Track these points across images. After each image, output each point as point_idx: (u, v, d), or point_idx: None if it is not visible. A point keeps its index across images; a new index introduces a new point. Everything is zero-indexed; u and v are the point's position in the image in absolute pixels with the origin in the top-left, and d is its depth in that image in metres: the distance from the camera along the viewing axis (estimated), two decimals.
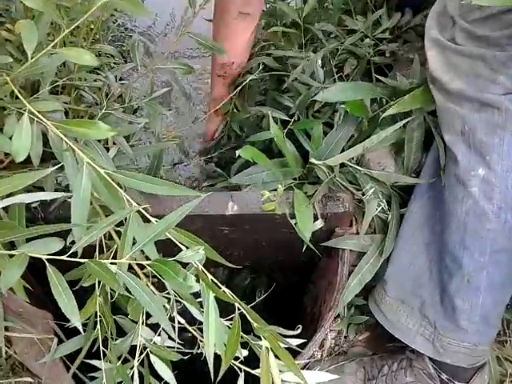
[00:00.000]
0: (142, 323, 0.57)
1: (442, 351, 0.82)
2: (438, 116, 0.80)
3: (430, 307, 0.83)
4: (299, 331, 0.53)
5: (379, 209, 0.85)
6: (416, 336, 0.84)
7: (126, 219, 0.52)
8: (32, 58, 0.61)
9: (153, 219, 0.54)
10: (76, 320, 0.39)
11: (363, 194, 0.86)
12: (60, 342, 0.70)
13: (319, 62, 0.91)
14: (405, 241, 0.85)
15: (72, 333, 0.65)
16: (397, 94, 0.87)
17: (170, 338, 0.66)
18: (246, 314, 0.51)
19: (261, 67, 1.00)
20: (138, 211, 0.55)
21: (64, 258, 0.40)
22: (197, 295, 0.55)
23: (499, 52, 0.69)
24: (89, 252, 0.53)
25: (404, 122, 0.82)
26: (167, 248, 0.54)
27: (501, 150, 0.72)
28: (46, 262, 0.40)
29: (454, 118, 0.75)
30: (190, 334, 0.66)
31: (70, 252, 0.41)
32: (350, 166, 0.87)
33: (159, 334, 0.64)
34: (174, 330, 0.55)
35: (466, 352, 0.81)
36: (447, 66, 0.75)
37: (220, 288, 0.50)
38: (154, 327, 0.66)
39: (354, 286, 0.85)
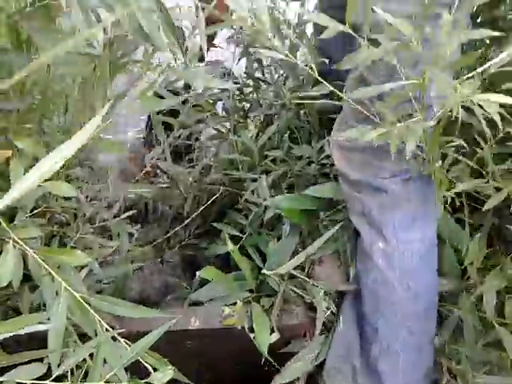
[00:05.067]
0: None
1: None
2: (346, 202, 0.96)
3: (360, 373, 0.91)
4: None
5: (328, 312, 0.95)
6: None
7: None
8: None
9: (122, 340, 0.60)
10: None
11: (313, 301, 0.96)
12: None
13: (264, 183, 1.05)
14: (343, 314, 0.95)
15: None
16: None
17: None
18: None
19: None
20: (108, 330, 0.61)
21: (48, 382, 0.45)
22: None
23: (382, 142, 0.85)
24: None
25: (333, 230, 0.95)
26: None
27: (393, 225, 0.87)
28: None
29: (356, 203, 0.91)
30: None
31: (53, 377, 0.46)
32: (300, 278, 0.97)
33: None
34: None
35: None
36: (346, 161, 0.91)
37: None
38: None
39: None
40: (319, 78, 0.76)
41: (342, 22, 0.90)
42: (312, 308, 0.96)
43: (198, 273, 0.84)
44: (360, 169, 0.89)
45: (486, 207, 0.81)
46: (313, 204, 1.06)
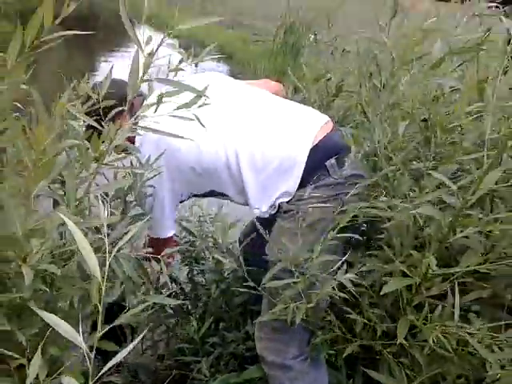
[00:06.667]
0: None
1: None
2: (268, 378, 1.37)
3: None
4: None
5: None
6: None
7: None
8: None
9: None
10: None
11: None
12: None
13: (204, 365, 1.46)
14: None
15: None
16: None
17: None
18: None
19: None
20: None
21: None
22: None
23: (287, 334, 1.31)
24: None
25: None
26: None
27: None
28: None
29: (276, 380, 1.36)
30: None
31: None
32: None
33: None
34: None
35: None
36: (265, 348, 1.37)
37: None
38: None
39: None
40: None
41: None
42: None
43: None
44: (272, 352, 1.36)
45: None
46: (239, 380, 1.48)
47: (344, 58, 1.89)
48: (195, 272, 1.85)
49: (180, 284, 1.79)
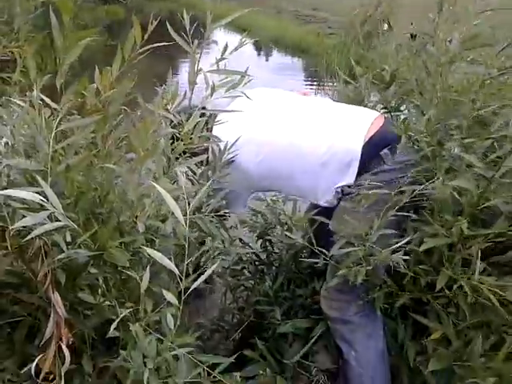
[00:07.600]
0: None
1: None
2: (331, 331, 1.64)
3: None
4: None
5: None
6: None
7: None
8: None
9: None
10: None
11: None
12: None
13: (278, 312, 1.78)
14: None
15: None
16: None
17: None
18: None
19: None
20: None
21: None
22: None
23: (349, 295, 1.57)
24: None
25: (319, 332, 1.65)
26: None
27: (359, 341, 1.56)
28: None
29: (336, 331, 1.62)
30: None
31: None
32: None
33: None
34: None
35: None
36: (328, 306, 1.63)
37: None
38: None
39: None
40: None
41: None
42: None
43: None
44: (336, 310, 1.62)
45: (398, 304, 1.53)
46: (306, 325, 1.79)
47: (401, 48, 2.05)
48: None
49: (254, 253, 2.11)
